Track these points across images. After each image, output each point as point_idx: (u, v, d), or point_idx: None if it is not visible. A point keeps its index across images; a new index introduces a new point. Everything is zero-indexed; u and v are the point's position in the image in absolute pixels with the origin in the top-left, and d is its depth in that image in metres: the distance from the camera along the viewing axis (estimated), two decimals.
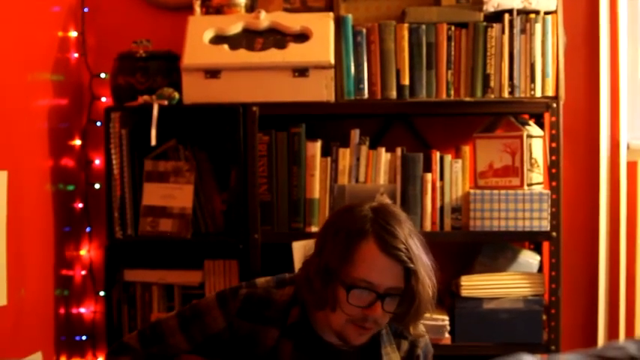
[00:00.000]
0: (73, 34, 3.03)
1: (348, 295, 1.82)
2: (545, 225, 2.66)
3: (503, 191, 2.67)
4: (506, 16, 2.69)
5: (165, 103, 2.71)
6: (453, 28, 2.72)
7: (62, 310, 2.94)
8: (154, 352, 2.00)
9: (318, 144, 2.72)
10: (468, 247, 2.91)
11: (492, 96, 2.71)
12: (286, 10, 2.91)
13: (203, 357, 1.98)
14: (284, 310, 1.95)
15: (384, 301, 1.83)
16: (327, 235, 1.89)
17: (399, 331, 2.01)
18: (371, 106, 2.74)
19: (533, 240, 2.85)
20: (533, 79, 2.69)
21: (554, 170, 2.67)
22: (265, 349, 1.93)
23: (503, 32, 2.70)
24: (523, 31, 2.70)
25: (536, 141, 2.74)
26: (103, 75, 3.02)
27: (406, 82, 2.72)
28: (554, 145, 2.67)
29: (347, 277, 1.82)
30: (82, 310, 3.07)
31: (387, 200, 2.45)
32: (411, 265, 1.81)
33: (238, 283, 2.07)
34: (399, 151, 2.72)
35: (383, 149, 2.72)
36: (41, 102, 2.81)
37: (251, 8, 2.89)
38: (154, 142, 2.69)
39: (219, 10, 2.86)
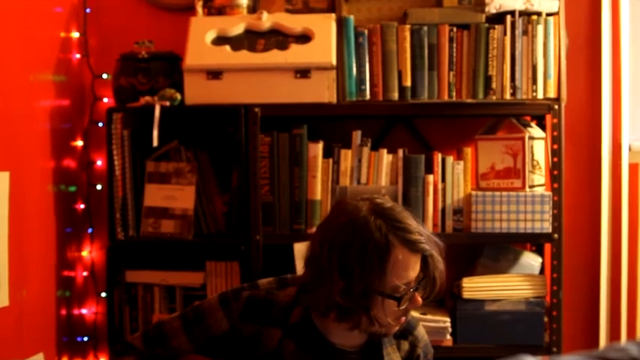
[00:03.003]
0: (75, 34, 3.03)
1: (400, 303, 1.85)
2: (547, 227, 2.66)
3: (504, 193, 2.67)
4: (508, 18, 2.69)
5: (167, 104, 2.71)
6: (454, 29, 2.72)
7: (64, 311, 2.94)
8: (158, 353, 2.00)
9: (320, 145, 2.72)
10: (470, 248, 2.91)
11: (494, 97, 2.70)
12: (288, 11, 2.91)
13: (207, 357, 1.98)
14: (286, 310, 1.95)
15: (419, 291, 1.89)
16: (347, 259, 1.83)
17: (399, 331, 2.01)
18: (373, 107, 2.74)
19: (535, 242, 2.85)
20: (535, 81, 2.69)
21: (555, 172, 2.67)
22: (269, 349, 1.93)
23: (505, 34, 2.70)
24: (525, 32, 2.70)
25: (537, 143, 2.74)
26: (105, 76, 3.03)
27: (408, 83, 2.72)
28: (555, 146, 2.67)
29: (388, 288, 1.84)
30: (84, 311, 3.08)
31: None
32: (432, 252, 1.87)
33: (241, 285, 2.07)
34: (400, 152, 2.72)
35: (385, 151, 2.72)
36: (43, 103, 2.81)
37: (253, 9, 2.89)
38: (155, 143, 2.69)
39: (221, 11, 2.86)
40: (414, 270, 1.86)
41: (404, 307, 1.87)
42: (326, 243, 1.87)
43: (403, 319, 1.93)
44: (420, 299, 1.89)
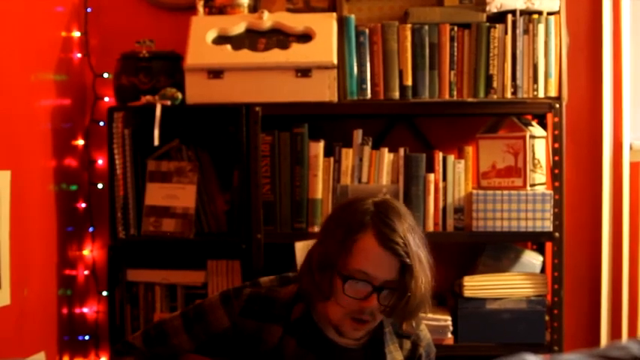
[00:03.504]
0: (76, 34, 3.03)
1: (344, 286, 1.84)
2: (548, 225, 2.66)
3: (505, 192, 2.67)
4: (509, 17, 2.69)
5: (168, 103, 2.72)
6: (455, 28, 2.72)
7: (65, 310, 2.94)
8: (158, 352, 2.01)
9: (321, 144, 2.72)
10: (471, 247, 2.91)
11: (495, 96, 2.71)
12: (289, 10, 2.91)
13: (207, 357, 1.98)
14: (287, 307, 1.96)
15: (380, 294, 1.84)
16: (328, 227, 1.93)
17: (402, 330, 2.01)
18: (374, 106, 2.74)
19: (536, 240, 2.85)
20: (535, 80, 2.69)
21: (556, 171, 2.67)
22: (269, 346, 1.94)
23: (506, 33, 2.70)
24: (526, 31, 2.70)
25: (538, 141, 2.74)
26: (106, 75, 3.03)
27: (409, 82, 2.72)
28: (556, 145, 2.67)
29: (344, 268, 1.84)
30: (85, 309, 3.08)
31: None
32: (407, 260, 1.83)
33: (242, 283, 2.07)
34: (401, 151, 2.72)
35: (386, 149, 2.72)
36: (44, 102, 2.81)
37: (254, 8, 2.89)
38: (156, 142, 2.69)
39: (222, 11, 2.86)
40: (381, 267, 1.83)
41: (350, 295, 1.83)
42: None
43: (358, 324, 1.88)
44: (375, 302, 1.84)
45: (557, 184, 2.67)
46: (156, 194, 2.78)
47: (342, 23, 2.74)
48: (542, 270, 2.80)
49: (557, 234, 2.66)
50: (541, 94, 2.70)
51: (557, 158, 2.67)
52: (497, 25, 2.70)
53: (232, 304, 1.97)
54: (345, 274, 1.84)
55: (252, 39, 2.77)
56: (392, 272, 1.84)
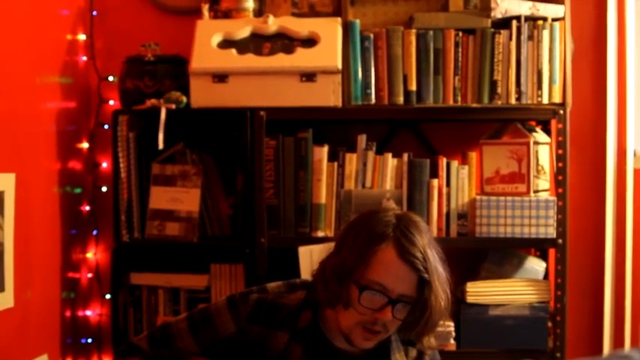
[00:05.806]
0: (82, 37, 3.04)
1: (360, 296, 1.84)
2: (552, 232, 2.66)
3: (509, 198, 2.67)
4: (514, 23, 2.69)
5: (173, 106, 2.72)
6: (460, 34, 2.72)
7: (68, 313, 2.94)
8: (163, 354, 2.01)
9: (325, 149, 2.73)
10: (474, 253, 2.91)
11: (499, 102, 2.71)
12: (294, 14, 2.91)
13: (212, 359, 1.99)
14: (294, 314, 1.96)
15: (394, 307, 1.84)
16: (348, 236, 1.91)
17: (408, 338, 2.01)
18: (378, 111, 2.74)
19: (539, 247, 2.85)
20: (540, 86, 2.70)
21: (560, 177, 2.67)
22: (275, 353, 1.94)
23: (510, 39, 2.70)
24: (530, 37, 2.70)
25: (542, 148, 2.74)
26: (111, 78, 3.03)
27: (413, 87, 2.72)
28: (560, 151, 2.67)
29: (361, 278, 1.84)
30: (88, 312, 3.08)
31: (393, 205, 2.46)
32: (426, 275, 1.83)
33: (249, 288, 2.07)
34: (405, 156, 2.72)
35: (389, 155, 2.72)
36: (49, 105, 2.82)
37: (259, 13, 2.89)
38: (161, 145, 2.70)
39: (227, 15, 2.87)
40: (398, 280, 1.83)
41: (365, 305, 1.83)
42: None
43: (369, 334, 1.87)
44: (389, 315, 1.83)
45: (560, 190, 2.67)
46: (160, 198, 2.78)
47: (347, 28, 2.74)
48: (545, 276, 2.80)
49: (560, 240, 2.66)
50: (545, 100, 2.70)
51: (560, 164, 2.67)
52: (502, 31, 2.70)
53: (239, 309, 1.97)
54: (363, 284, 1.84)
55: (257, 43, 2.77)
56: (409, 286, 1.84)
